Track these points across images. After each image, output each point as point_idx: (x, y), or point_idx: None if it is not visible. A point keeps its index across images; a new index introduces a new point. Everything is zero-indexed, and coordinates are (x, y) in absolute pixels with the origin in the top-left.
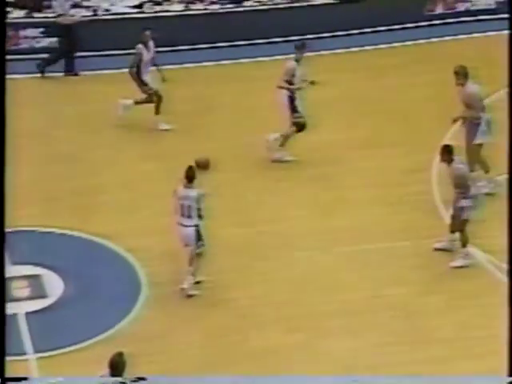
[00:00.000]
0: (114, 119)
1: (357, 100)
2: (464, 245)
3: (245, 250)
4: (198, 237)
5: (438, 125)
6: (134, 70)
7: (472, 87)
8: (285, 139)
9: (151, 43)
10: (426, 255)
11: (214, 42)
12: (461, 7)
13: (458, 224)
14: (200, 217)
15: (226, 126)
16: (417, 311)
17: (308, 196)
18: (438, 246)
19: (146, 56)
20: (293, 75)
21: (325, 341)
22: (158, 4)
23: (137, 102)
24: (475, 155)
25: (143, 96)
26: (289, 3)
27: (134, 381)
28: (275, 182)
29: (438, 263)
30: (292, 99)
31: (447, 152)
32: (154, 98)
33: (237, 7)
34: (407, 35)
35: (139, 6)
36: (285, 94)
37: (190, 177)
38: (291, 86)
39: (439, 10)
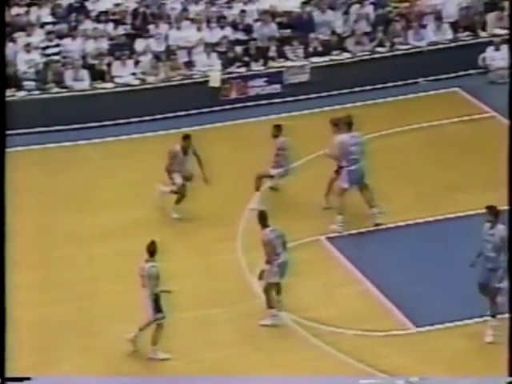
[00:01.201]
0: None
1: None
2: (269, 306)
3: (65, 325)
4: (157, 308)
5: (241, 198)
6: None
7: (342, 138)
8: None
9: (191, 150)
10: (239, 318)
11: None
12: (252, 92)
13: (264, 286)
14: (156, 289)
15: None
16: (236, 371)
17: (125, 269)
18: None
19: (182, 158)
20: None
21: None
22: None
23: (172, 192)
24: (341, 198)
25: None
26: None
27: None
28: (89, 258)
29: (249, 325)
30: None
31: (262, 217)
32: (184, 192)
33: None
34: (206, 119)
35: None
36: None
37: (149, 251)
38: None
39: (233, 95)
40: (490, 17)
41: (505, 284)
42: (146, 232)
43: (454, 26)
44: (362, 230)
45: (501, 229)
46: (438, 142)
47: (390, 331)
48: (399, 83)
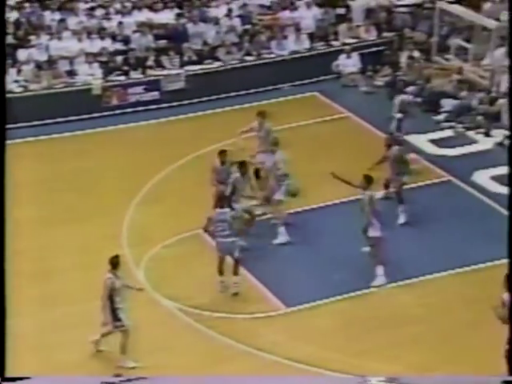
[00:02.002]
0: None
1: (53, 181)
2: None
3: None
4: (114, 317)
5: (124, 198)
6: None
7: (277, 155)
8: None
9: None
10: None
11: None
12: (131, 99)
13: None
14: (112, 299)
15: None
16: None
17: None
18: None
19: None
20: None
21: None
22: None
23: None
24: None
25: None
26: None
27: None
28: None
29: (135, 315)
30: None
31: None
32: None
33: None
34: (87, 124)
35: None
36: None
37: (111, 263)
38: None
39: (114, 102)
40: (342, 28)
41: (376, 234)
42: (34, 230)
43: (311, 37)
44: None
45: (368, 194)
46: (300, 141)
47: (264, 313)
48: (265, 89)
